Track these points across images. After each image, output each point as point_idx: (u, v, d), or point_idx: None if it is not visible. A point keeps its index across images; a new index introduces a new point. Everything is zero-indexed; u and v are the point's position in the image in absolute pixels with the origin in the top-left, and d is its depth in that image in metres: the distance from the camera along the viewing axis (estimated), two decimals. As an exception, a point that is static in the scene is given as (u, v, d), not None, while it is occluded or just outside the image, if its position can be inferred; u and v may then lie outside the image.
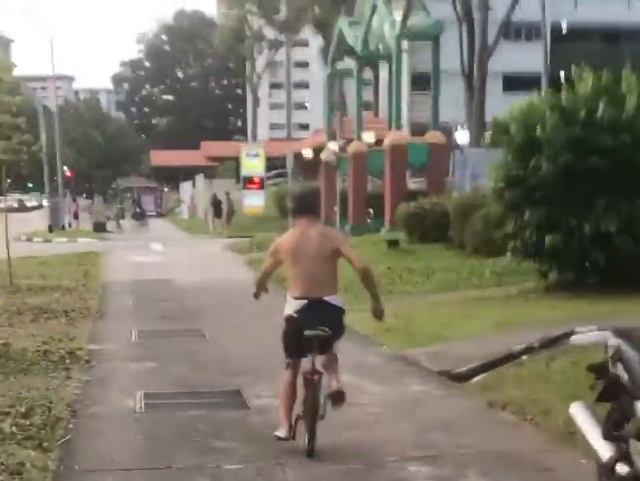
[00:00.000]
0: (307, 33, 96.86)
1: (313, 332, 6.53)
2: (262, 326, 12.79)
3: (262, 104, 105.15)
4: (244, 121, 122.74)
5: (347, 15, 38.26)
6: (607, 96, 13.75)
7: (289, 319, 6.77)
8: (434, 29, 27.74)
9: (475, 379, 9.47)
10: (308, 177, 67.53)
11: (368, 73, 39.00)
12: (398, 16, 27.66)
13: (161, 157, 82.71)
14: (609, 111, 13.55)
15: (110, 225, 47.19)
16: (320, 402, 6.62)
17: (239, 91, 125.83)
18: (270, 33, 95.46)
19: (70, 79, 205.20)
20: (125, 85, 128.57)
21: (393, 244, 22.61)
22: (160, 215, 68.51)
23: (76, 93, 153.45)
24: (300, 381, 6.74)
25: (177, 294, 17.54)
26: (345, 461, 6.44)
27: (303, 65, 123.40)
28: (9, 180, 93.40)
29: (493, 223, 19.44)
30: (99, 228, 44.61)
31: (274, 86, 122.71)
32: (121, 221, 48.77)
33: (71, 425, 7.44)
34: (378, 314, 7.33)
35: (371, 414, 7.86)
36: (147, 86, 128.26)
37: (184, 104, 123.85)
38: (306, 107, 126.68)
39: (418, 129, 31.29)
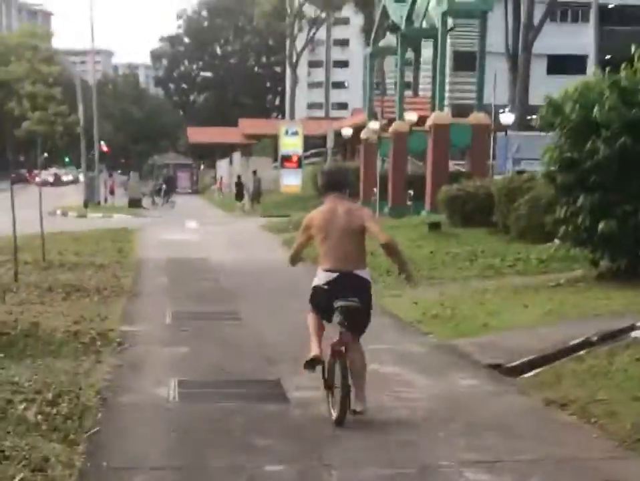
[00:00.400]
0: (348, 10, 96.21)
1: (344, 302, 6.76)
2: (301, 309, 12.29)
3: (301, 82, 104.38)
4: (282, 100, 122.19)
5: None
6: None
7: (318, 289, 7.03)
8: (482, 5, 26.91)
9: (529, 374, 8.97)
10: (347, 156, 67.17)
11: (409, 53, 38.18)
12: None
13: (198, 134, 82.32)
14: (671, 92, 12.85)
15: (146, 201, 46.89)
16: (348, 376, 6.74)
17: (278, 69, 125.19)
18: (310, 10, 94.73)
19: (109, 53, 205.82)
20: (164, 61, 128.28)
21: (435, 227, 21.98)
22: (195, 192, 68.26)
23: (115, 68, 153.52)
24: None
25: (212, 273, 17.06)
26: (395, 464, 5.91)
27: (343, 43, 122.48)
28: (45, 155, 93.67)
29: (540, 208, 18.87)
30: (135, 204, 44.30)
31: (313, 64, 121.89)
32: (156, 198, 48.37)
33: (100, 416, 6.97)
34: (410, 279, 7.51)
35: (420, 410, 7.31)
36: (185, 62, 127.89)
37: (222, 81, 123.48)
38: (345, 86, 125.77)
39: (459, 111, 30.47)
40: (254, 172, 40.42)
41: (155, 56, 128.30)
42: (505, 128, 33.55)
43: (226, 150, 69.97)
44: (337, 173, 7.51)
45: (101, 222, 34.05)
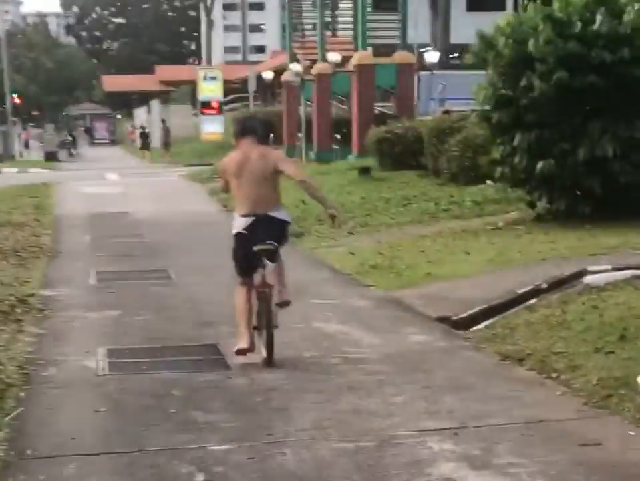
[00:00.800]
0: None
1: (261, 246, 6.94)
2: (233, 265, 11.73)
3: (217, 26, 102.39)
4: (198, 45, 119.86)
5: None
6: (605, 6, 12.60)
7: (238, 236, 7.15)
8: None
9: (479, 326, 8.55)
10: (267, 101, 66.07)
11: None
12: None
13: (114, 82, 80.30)
14: (607, 24, 12.42)
15: (62, 154, 45.42)
16: (273, 312, 7.08)
17: (192, 13, 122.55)
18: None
19: (18, 2, 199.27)
20: (75, 9, 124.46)
21: (365, 171, 21.45)
22: (113, 143, 66.59)
23: (24, 17, 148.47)
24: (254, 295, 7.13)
25: (136, 229, 16.32)
26: (353, 438, 5.39)
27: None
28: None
29: (472, 149, 18.52)
30: (51, 157, 42.87)
31: (228, 7, 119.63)
32: (72, 150, 46.87)
33: (22, 394, 6.32)
34: (334, 218, 7.35)
35: (372, 373, 6.81)
36: (97, 9, 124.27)
37: (135, 27, 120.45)
38: (261, 30, 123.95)
39: (381, 51, 29.74)
40: (163, 121, 39.37)
41: (66, 3, 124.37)
42: (430, 67, 33.03)
43: (143, 98, 68.34)
44: (250, 119, 7.85)
45: (18, 177, 32.75)
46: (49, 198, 22.03)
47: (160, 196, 22.78)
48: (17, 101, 53.03)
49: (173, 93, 68.40)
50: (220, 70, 42.85)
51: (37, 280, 10.68)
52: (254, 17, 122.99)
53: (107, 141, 67.86)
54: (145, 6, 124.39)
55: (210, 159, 37.79)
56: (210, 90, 41.08)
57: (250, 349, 7.02)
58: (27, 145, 48.23)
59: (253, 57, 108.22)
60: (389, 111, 30.42)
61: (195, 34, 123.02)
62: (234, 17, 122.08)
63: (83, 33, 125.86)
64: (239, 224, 7.14)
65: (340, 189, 20.31)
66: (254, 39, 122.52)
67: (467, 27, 51.45)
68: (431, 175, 20.71)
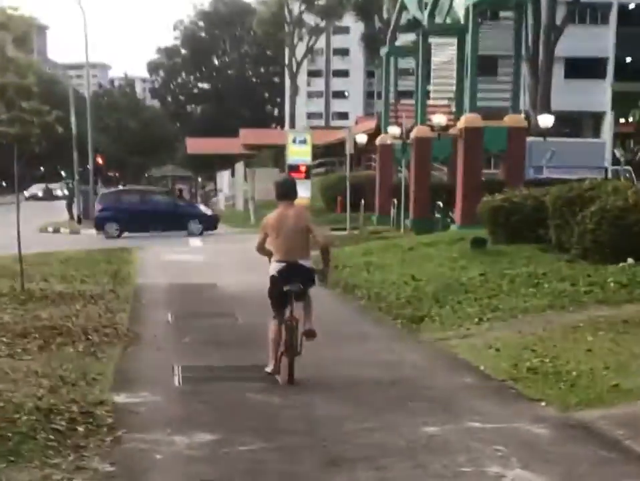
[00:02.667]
0: (348, 20, 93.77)
1: (291, 286, 8.44)
2: (360, 359, 9.45)
3: (300, 92, 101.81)
4: (281, 110, 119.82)
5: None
6: None
7: (273, 278, 8.65)
8: (519, -6, 24.07)
9: None
10: (352, 165, 64.25)
11: (405, 62, 35.22)
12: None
13: (197, 145, 79.53)
14: None
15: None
16: (297, 342, 8.50)
17: (276, 79, 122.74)
18: (310, 19, 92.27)
19: (106, 67, 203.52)
20: (161, 73, 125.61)
21: (478, 244, 19.01)
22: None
23: (112, 81, 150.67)
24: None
25: (226, 306, 14.11)
26: None
27: (343, 52, 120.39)
28: (42, 169, 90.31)
29: (608, 221, 16.05)
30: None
31: (312, 74, 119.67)
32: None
33: None
34: (324, 276, 9.00)
35: None
36: (182, 74, 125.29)
37: (219, 92, 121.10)
38: (345, 96, 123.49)
39: (487, 115, 27.53)
40: (203, 187, 38.16)
41: (152, 68, 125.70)
42: (543, 132, 30.56)
43: (225, 161, 67.21)
44: (287, 184, 9.06)
45: (96, 239, 31.07)
46: (128, 265, 20.03)
47: (250, 266, 20.51)
48: (100, 161, 52.05)
49: (255, 157, 67.11)
50: (309, 133, 40.96)
51: (108, 377, 8.43)
52: (337, 84, 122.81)
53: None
54: (230, 72, 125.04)
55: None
56: (299, 153, 39.16)
57: (276, 372, 8.58)
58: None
59: (336, 123, 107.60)
60: (496, 178, 28.13)
61: (278, 100, 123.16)
62: (319, 84, 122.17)
63: (168, 97, 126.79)
64: (274, 268, 8.68)
65: (451, 263, 17.93)
66: (337, 105, 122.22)
67: (565, 94, 49.63)
68: (556, 249, 18.19)
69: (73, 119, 39.00)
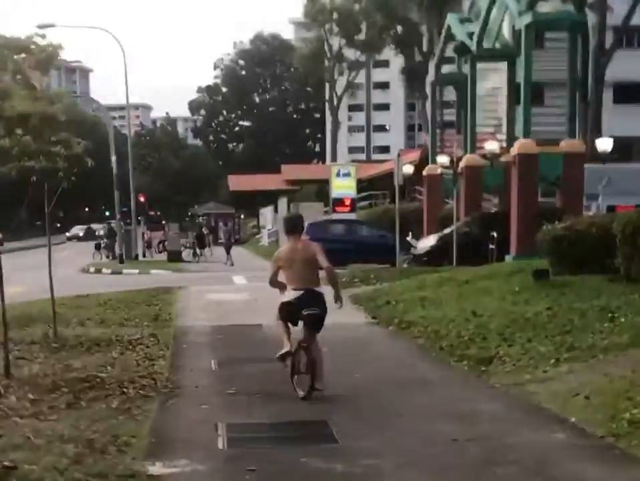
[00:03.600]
0: (388, 53, 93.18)
1: (309, 311, 9.40)
2: (428, 410, 8.26)
3: (341, 127, 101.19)
4: (322, 146, 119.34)
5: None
6: None
7: (286, 304, 9.62)
8: (573, 15, 22.94)
9: None
10: (393, 198, 63.11)
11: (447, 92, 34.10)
12: (525, 3, 23.00)
13: (239, 182, 79.09)
14: None
15: (186, 254, 43.04)
16: (316, 362, 9.31)
17: (317, 114, 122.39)
18: (350, 53, 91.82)
19: (149, 108, 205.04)
20: (202, 112, 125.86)
21: (540, 275, 17.73)
22: (238, 242, 64.57)
23: (154, 121, 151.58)
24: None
25: (274, 348, 12.99)
26: None
27: (383, 86, 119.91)
28: (87, 209, 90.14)
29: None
30: (175, 257, 40.44)
31: (353, 108, 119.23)
32: (198, 250, 44.34)
33: None
34: (338, 300, 9.88)
35: None
36: (224, 112, 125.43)
37: (260, 129, 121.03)
38: (386, 129, 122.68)
39: (541, 142, 26.33)
40: (225, 224, 37.53)
41: (194, 107, 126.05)
42: (602, 157, 29.24)
43: (267, 198, 66.57)
44: (294, 219, 9.92)
45: (138, 279, 30.18)
46: (169, 306, 19.01)
47: (297, 305, 19.54)
48: (142, 199, 51.45)
49: (297, 193, 66.36)
50: (354, 166, 39.98)
51: (142, 441, 7.32)
52: (378, 117, 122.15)
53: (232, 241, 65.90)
54: (271, 109, 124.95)
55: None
56: (343, 187, 38.14)
57: (290, 353, 9.45)
58: (149, 246, 46.27)
59: (377, 157, 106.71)
60: (551, 206, 26.84)
61: (318, 135, 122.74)
62: (359, 118, 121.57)
63: (210, 135, 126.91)
64: (291, 294, 9.48)
65: (513, 296, 16.67)
66: (378, 139, 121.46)
67: (614, 119, 48.19)
68: (624, 280, 16.86)
69: (113, 158, 38.33)
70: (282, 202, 47.37)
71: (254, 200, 74.24)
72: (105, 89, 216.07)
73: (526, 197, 23.52)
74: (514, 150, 23.70)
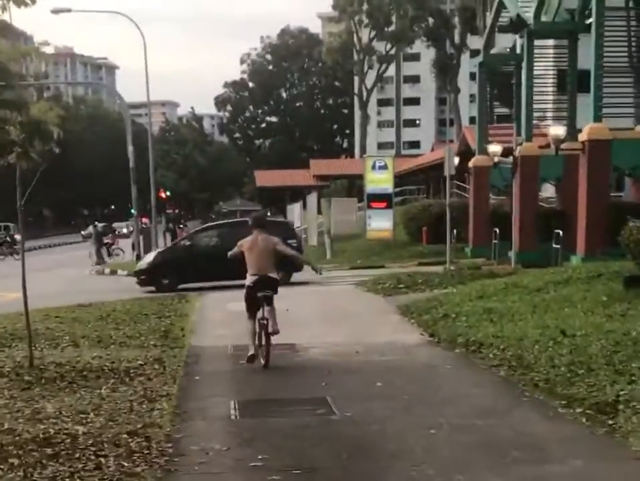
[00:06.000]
0: (419, 46, 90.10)
1: (263, 293, 11.16)
2: None
3: (370, 122, 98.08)
4: (350, 141, 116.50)
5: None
6: None
7: (248, 287, 11.28)
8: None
9: None
10: (428, 193, 60.05)
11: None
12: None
13: (266, 178, 76.24)
14: None
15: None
16: (270, 336, 11.13)
17: (345, 110, 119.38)
18: (380, 46, 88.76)
19: (175, 105, 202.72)
20: (229, 107, 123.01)
21: (634, 282, 14.65)
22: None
23: (180, 118, 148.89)
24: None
25: (313, 381, 9.99)
26: None
27: (414, 80, 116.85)
28: (112, 207, 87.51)
29: None
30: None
31: (382, 103, 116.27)
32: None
33: None
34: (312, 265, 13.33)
35: None
36: (250, 107, 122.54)
37: (288, 125, 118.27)
38: (416, 124, 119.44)
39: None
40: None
41: (220, 102, 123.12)
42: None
43: (295, 194, 63.71)
44: (260, 218, 12.25)
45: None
46: (182, 319, 16.02)
47: (336, 316, 16.38)
48: (163, 196, 48.60)
49: (326, 189, 63.45)
50: (390, 158, 36.69)
51: None
52: (408, 112, 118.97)
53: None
54: (299, 104, 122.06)
55: (378, 259, 31.66)
56: (379, 181, 34.91)
57: (256, 355, 10.98)
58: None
59: (407, 152, 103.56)
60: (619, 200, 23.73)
61: (347, 131, 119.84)
62: (389, 112, 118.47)
63: (236, 131, 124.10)
64: (249, 279, 11.31)
65: (604, 309, 13.55)
66: (408, 134, 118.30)
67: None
68: None
69: (130, 148, 35.46)
70: (312, 198, 44.26)
71: (281, 197, 71.46)
72: (133, 87, 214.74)
73: (596, 189, 20.40)
74: (583, 136, 20.54)
